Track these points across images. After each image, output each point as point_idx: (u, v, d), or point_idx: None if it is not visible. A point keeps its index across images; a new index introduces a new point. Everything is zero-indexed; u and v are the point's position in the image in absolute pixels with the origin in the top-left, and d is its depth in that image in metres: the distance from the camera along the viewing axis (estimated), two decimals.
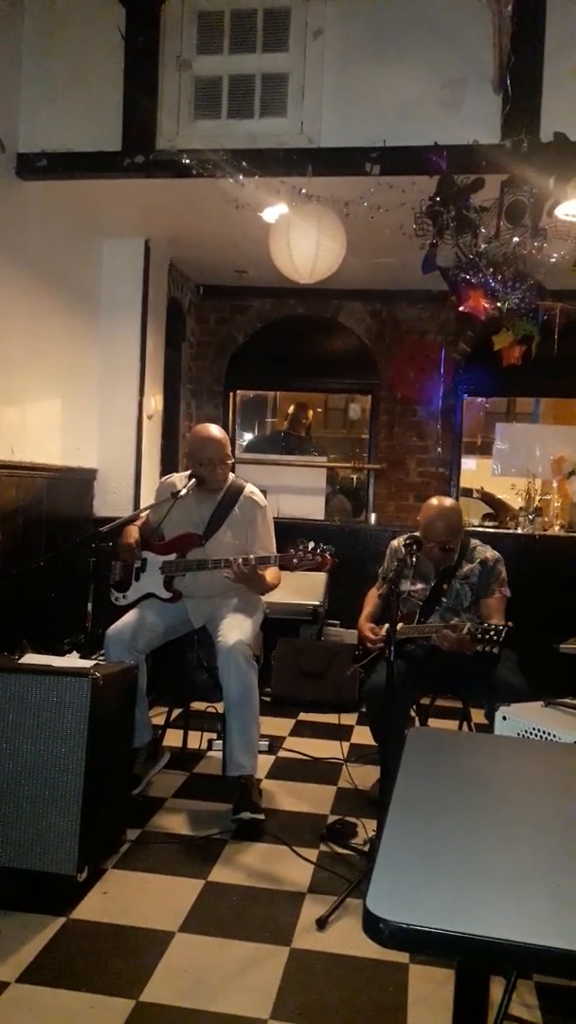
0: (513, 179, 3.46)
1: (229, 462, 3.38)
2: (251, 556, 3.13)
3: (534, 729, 2.05)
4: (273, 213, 4.03)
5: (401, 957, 2.22)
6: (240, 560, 3.08)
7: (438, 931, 0.91)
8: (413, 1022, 1.98)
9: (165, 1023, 1.94)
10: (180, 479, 3.40)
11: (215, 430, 3.36)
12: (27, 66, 3.92)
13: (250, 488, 3.41)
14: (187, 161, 3.73)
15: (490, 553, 3.29)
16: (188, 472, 3.36)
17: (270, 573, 3.24)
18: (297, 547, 3.03)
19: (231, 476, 3.43)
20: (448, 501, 3.33)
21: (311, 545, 3.01)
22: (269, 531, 3.39)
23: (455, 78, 3.59)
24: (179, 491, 3.24)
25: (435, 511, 3.22)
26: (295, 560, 3.03)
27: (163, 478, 3.64)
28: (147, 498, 4.94)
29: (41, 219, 4.24)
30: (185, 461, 3.38)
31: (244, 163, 3.69)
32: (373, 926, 0.92)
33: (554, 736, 2.00)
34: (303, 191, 3.80)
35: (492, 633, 2.82)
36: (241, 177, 3.71)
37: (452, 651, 2.99)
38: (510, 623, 2.92)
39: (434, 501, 3.30)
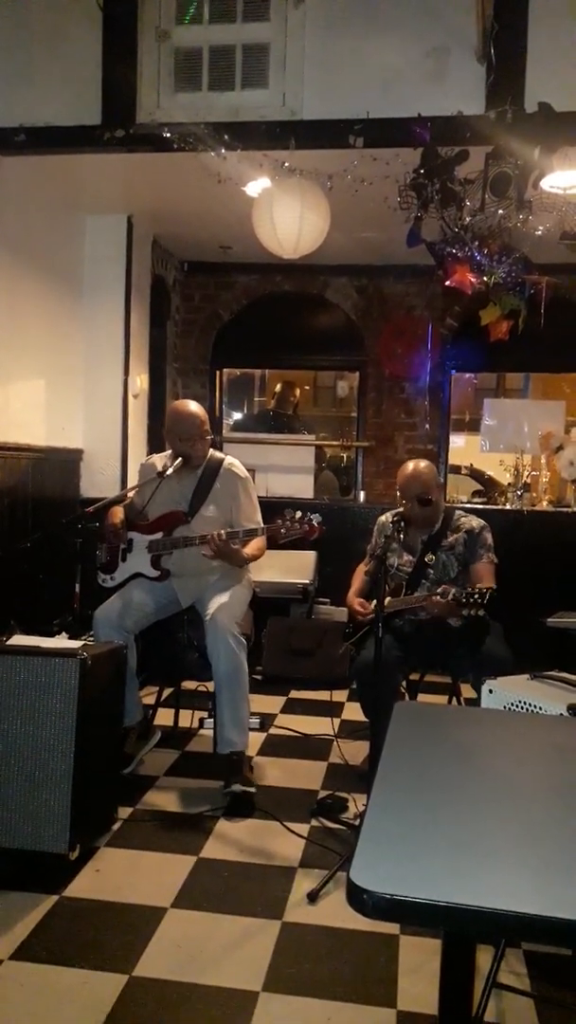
0: (498, 151, 3.43)
1: (208, 437, 3.36)
2: (224, 531, 3.12)
3: (520, 702, 2.06)
4: (256, 187, 3.99)
5: (392, 928, 2.25)
6: (217, 534, 3.07)
7: (422, 901, 0.91)
8: (404, 992, 2.00)
9: (158, 997, 1.96)
10: (161, 459, 3.40)
11: (192, 405, 3.35)
12: (1, 37, 3.84)
13: (229, 460, 3.40)
14: (168, 135, 3.68)
15: (475, 522, 3.31)
16: (168, 452, 3.34)
17: (251, 546, 3.24)
18: (284, 518, 3.03)
19: (210, 451, 3.41)
20: (422, 462, 3.39)
21: (298, 514, 3.02)
22: (253, 502, 3.39)
23: (438, 47, 3.53)
24: (165, 470, 3.23)
25: (409, 470, 3.30)
26: (283, 530, 3.03)
27: (144, 460, 3.62)
28: (134, 478, 4.92)
29: (20, 195, 4.17)
30: (166, 439, 3.37)
31: (226, 136, 3.64)
32: (357, 897, 0.92)
33: (540, 708, 2.01)
34: (286, 164, 3.76)
35: (476, 596, 2.84)
36: (223, 150, 3.65)
37: (439, 619, 3.01)
38: (493, 587, 2.94)
39: (408, 463, 3.36)
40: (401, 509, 3.28)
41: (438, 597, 2.95)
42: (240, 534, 3.15)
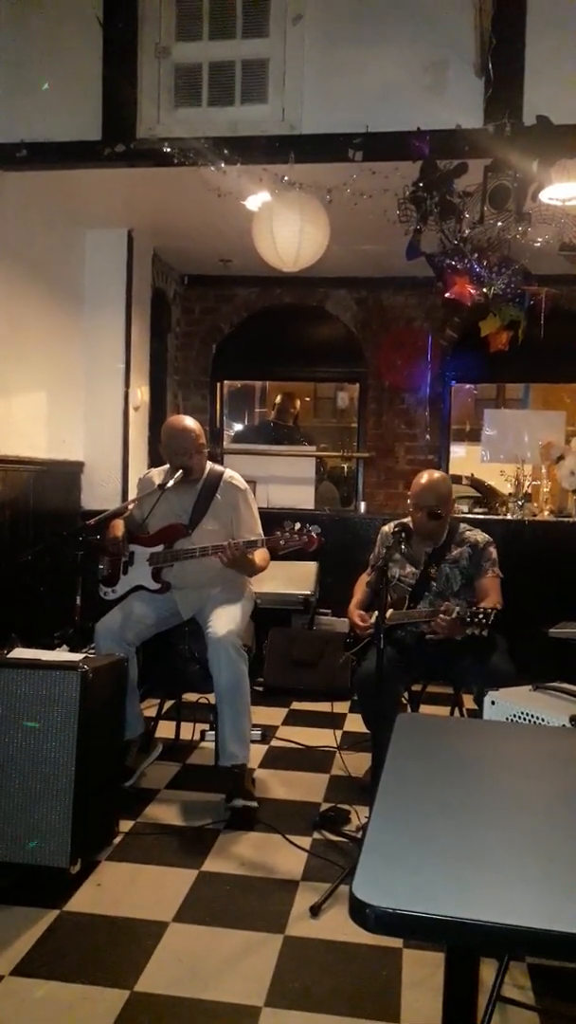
0: (496, 163, 3.45)
1: (205, 450, 3.37)
2: (239, 541, 3.13)
3: (522, 713, 2.06)
4: (256, 201, 4.01)
5: (395, 942, 2.23)
6: (233, 543, 3.09)
7: (424, 915, 0.91)
8: (407, 1006, 1.99)
9: (160, 1012, 1.94)
10: (159, 474, 3.41)
11: (187, 420, 3.37)
12: (2, 54, 3.87)
13: (229, 473, 3.42)
14: (168, 150, 3.70)
15: (480, 536, 3.30)
16: (166, 467, 3.35)
17: (259, 555, 3.26)
18: (284, 529, 3.04)
19: (208, 464, 3.42)
20: (436, 472, 3.39)
21: (297, 526, 3.03)
22: (253, 513, 3.40)
23: (437, 61, 3.56)
24: (166, 483, 3.23)
25: (424, 479, 3.29)
26: (282, 542, 3.05)
27: (141, 475, 3.63)
28: (135, 491, 4.93)
29: (21, 210, 4.20)
30: (163, 454, 3.38)
31: (226, 151, 3.66)
32: (359, 911, 0.92)
33: (542, 719, 2.01)
34: (285, 178, 3.78)
35: (481, 616, 2.83)
36: (223, 165, 3.68)
37: (443, 637, 3.00)
38: (497, 606, 2.93)
39: (423, 473, 3.36)
40: (405, 520, 3.27)
41: (442, 617, 2.94)
42: (240, 545, 3.15)
